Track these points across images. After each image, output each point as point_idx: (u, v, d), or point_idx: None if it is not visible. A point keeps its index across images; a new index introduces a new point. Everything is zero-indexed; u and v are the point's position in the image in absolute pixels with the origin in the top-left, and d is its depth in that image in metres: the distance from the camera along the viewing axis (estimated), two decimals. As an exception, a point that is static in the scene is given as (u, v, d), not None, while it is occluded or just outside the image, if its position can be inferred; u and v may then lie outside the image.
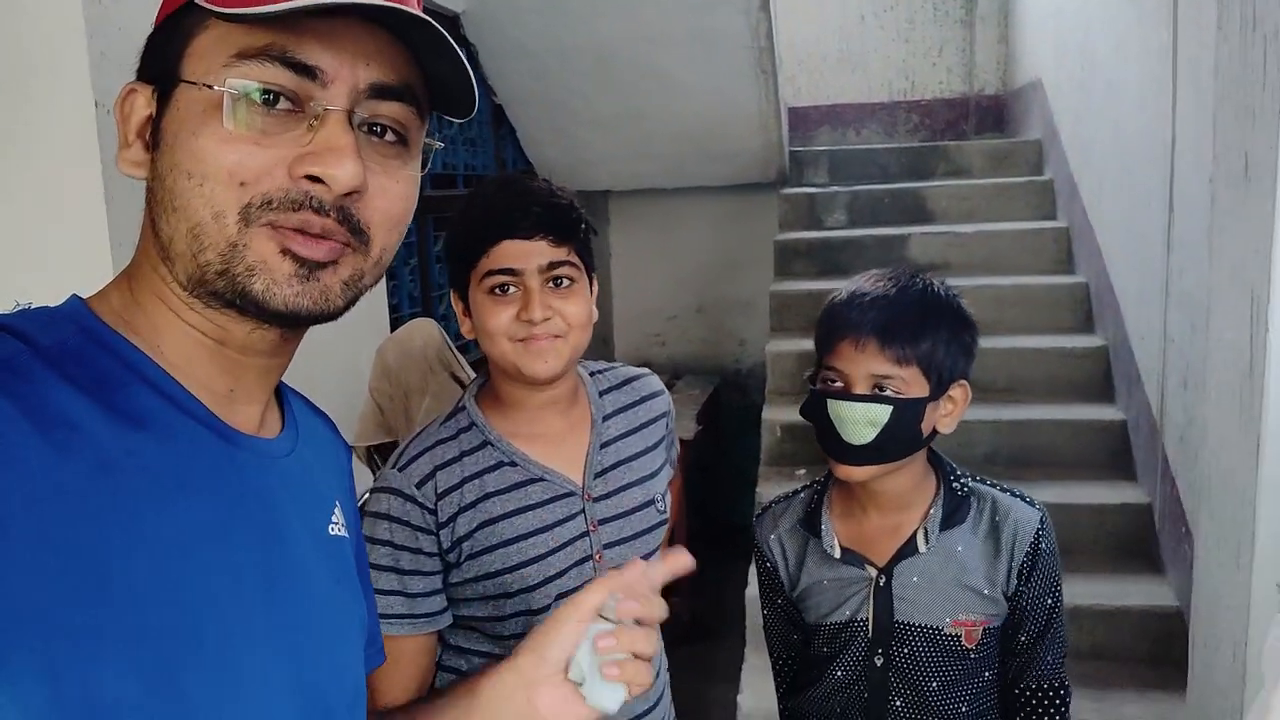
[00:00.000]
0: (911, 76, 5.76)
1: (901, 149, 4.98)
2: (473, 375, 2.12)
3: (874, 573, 1.34)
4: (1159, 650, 2.76)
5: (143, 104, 0.64)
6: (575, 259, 1.22)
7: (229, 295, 0.62)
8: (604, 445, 1.30)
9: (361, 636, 0.78)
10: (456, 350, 2.13)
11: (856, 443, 1.26)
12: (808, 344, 4.24)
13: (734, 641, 3.08)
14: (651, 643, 0.81)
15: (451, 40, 0.64)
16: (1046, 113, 4.45)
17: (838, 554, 1.36)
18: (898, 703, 1.34)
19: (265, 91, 0.60)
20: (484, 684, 0.82)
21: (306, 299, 0.62)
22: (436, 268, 3.73)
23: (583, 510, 1.26)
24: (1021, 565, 1.32)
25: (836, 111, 5.83)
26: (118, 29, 1.79)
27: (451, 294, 1.28)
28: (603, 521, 1.27)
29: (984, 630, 1.33)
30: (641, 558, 1.28)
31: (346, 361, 2.80)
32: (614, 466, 1.30)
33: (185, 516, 0.60)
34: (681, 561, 0.87)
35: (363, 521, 1.22)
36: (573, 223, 1.22)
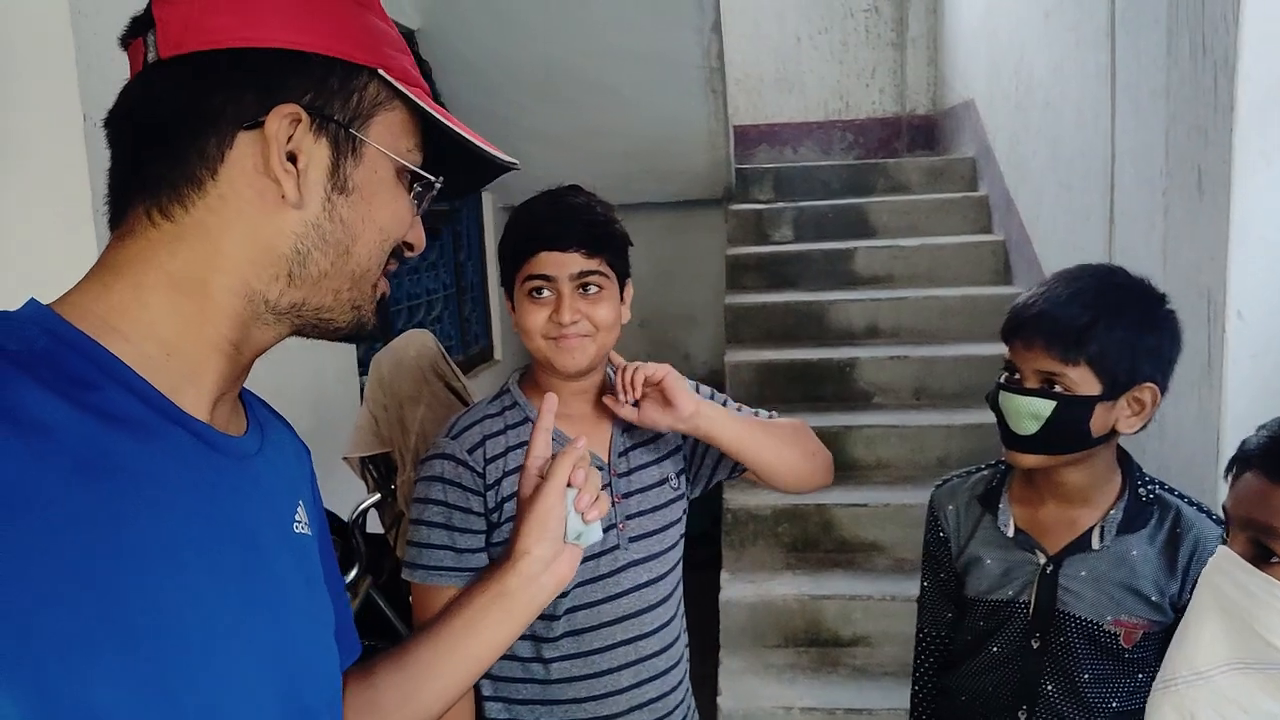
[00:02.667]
0: (846, 97, 5.95)
1: (843, 165, 5.13)
2: (467, 385, 2.14)
3: (1043, 559, 1.36)
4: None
5: (288, 127, 0.66)
6: (606, 269, 1.36)
7: (341, 323, 0.73)
8: (625, 430, 1.44)
9: (331, 635, 0.79)
10: (451, 360, 2.14)
11: (1021, 433, 1.30)
12: (764, 354, 4.33)
13: (704, 649, 3.12)
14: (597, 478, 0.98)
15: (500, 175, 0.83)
16: (980, 131, 4.64)
17: (1011, 533, 1.39)
18: (1049, 687, 1.37)
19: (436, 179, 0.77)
20: (509, 580, 0.92)
21: (378, 325, 0.78)
22: (410, 279, 3.73)
23: (609, 484, 1.38)
24: (1195, 578, 1.28)
25: (774, 131, 5.99)
26: (106, 43, 1.78)
27: (503, 292, 1.44)
28: (625, 495, 1.40)
29: (1144, 634, 1.33)
30: (660, 529, 1.43)
31: (314, 375, 2.79)
32: (634, 447, 1.44)
33: (167, 519, 0.60)
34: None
35: (417, 485, 1.36)
36: (607, 236, 1.37)
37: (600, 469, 1.38)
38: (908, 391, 3.77)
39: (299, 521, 0.77)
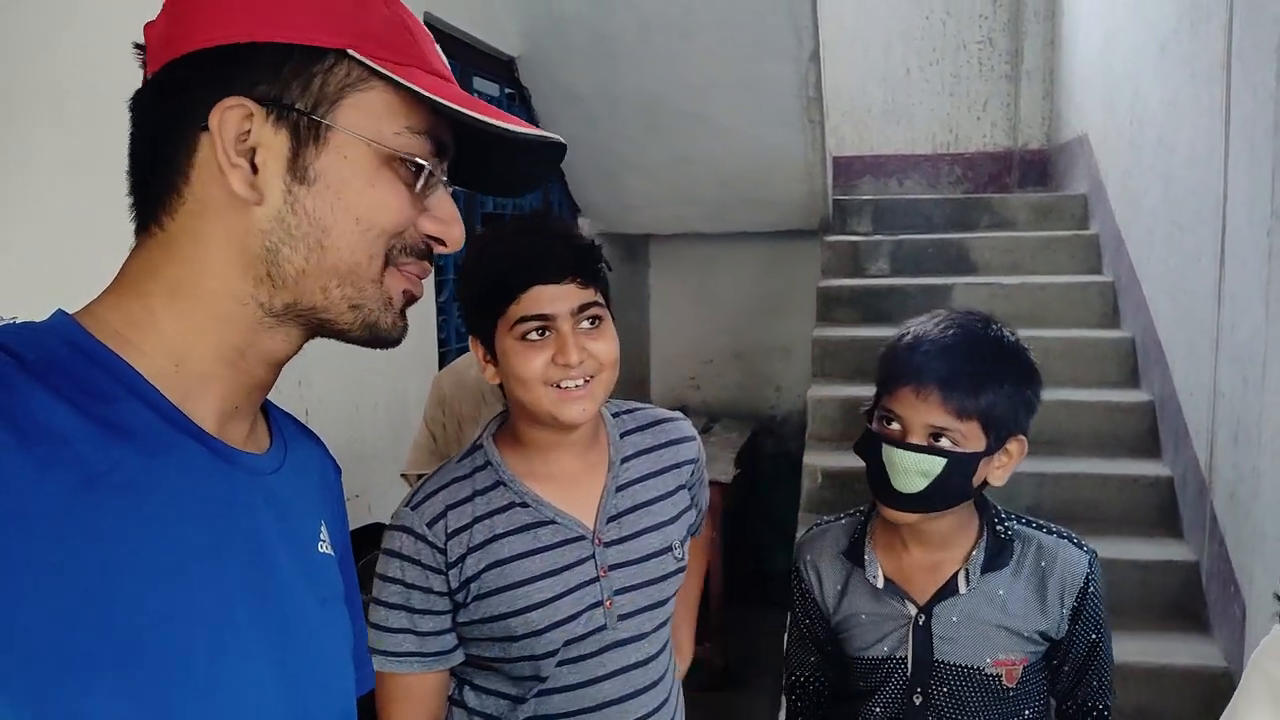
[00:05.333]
0: (955, 130, 5.79)
1: (945, 200, 4.99)
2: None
3: (914, 610, 1.33)
4: (1205, 711, 2.69)
5: (240, 120, 0.64)
6: (601, 298, 1.21)
7: (345, 325, 0.69)
8: (620, 488, 1.28)
9: (348, 658, 0.77)
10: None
11: (906, 491, 1.25)
12: (850, 390, 4.22)
13: (765, 690, 3.04)
14: None
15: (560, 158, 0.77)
16: (1093, 167, 4.45)
17: (881, 584, 1.34)
18: None
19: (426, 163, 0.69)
20: None
21: (404, 331, 0.73)
22: (483, 304, 3.79)
23: (592, 555, 1.23)
24: (1072, 609, 1.31)
25: (880, 162, 5.87)
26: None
27: (471, 340, 1.25)
28: (614, 567, 1.24)
29: (1024, 669, 1.32)
30: (655, 604, 1.27)
31: (393, 391, 2.85)
32: (629, 510, 1.28)
33: (174, 533, 0.60)
34: None
35: (380, 557, 1.23)
36: (598, 264, 1.22)
37: (582, 539, 1.24)
38: (1000, 435, 3.61)
39: (322, 541, 0.76)
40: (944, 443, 1.24)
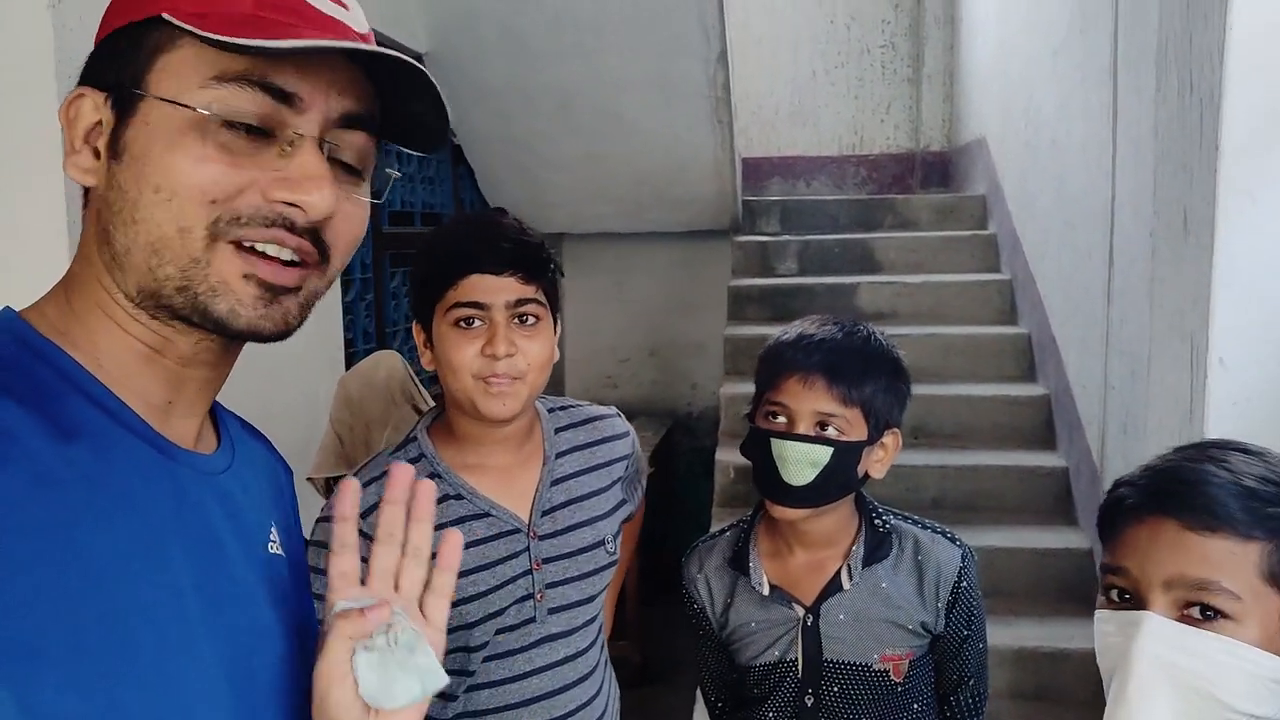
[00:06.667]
0: (860, 132, 5.93)
1: (851, 201, 5.10)
2: (435, 407, 2.12)
3: (801, 612, 1.35)
4: (1099, 692, 2.81)
5: (90, 109, 0.64)
6: (542, 298, 1.23)
7: (185, 310, 0.63)
8: (554, 483, 1.29)
9: (302, 657, 0.75)
10: (420, 383, 2.13)
11: (797, 483, 1.27)
12: (762, 386, 4.19)
13: (685, 685, 3.07)
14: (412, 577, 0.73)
15: (434, 82, 0.67)
16: (990, 169, 4.61)
17: (766, 591, 1.36)
18: None
19: (244, 116, 0.62)
20: None
21: (269, 322, 0.65)
22: (392, 304, 3.73)
23: (527, 548, 1.24)
24: (947, 603, 1.36)
25: (788, 163, 5.97)
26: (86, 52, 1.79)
27: (414, 325, 1.27)
28: (547, 560, 1.25)
29: (910, 663, 1.35)
30: (586, 599, 1.28)
31: (302, 394, 2.78)
32: (563, 505, 1.29)
33: (122, 530, 0.59)
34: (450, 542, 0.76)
35: (309, 550, 1.21)
36: (542, 262, 1.23)
37: (517, 531, 1.25)
38: (905, 430, 3.68)
39: (272, 541, 0.75)
40: (830, 432, 1.28)
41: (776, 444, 1.28)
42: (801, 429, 1.28)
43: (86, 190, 0.66)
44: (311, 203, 0.63)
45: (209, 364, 0.69)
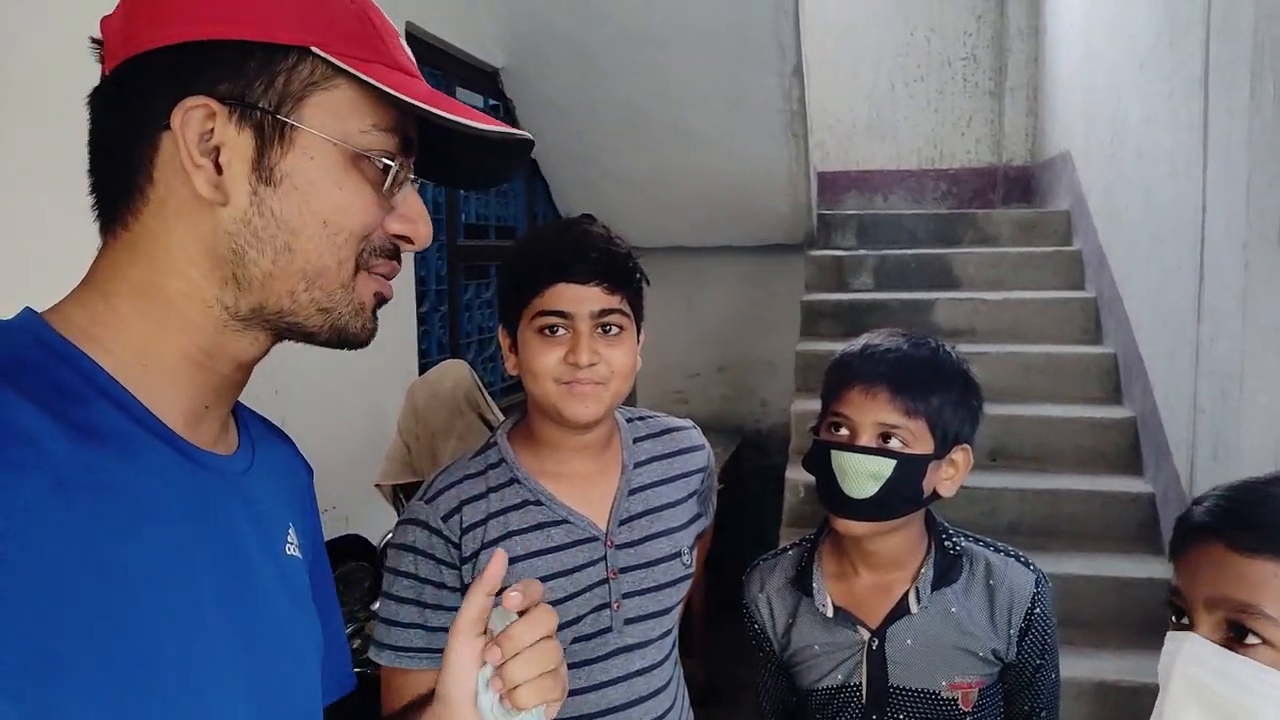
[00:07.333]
0: (940, 145, 5.81)
1: (929, 215, 5.00)
2: (502, 418, 2.12)
3: (866, 635, 1.31)
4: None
5: (203, 120, 0.63)
6: (626, 308, 1.22)
7: (315, 328, 0.68)
8: (632, 492, 1.29)
9: (317, 661, 0.76)
10: (486, 393, 2.13)
11: (857, 496, 1.24)
12: (833, 403, 4.13)
13: (750, 706, 3.01)
14: (548, 654, 0.76)
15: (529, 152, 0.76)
16: (1075, 184, 4.47)
17: (830, 612, 1.32)
18: None
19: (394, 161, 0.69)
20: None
21: (374, 333, 0.72)
22: (465, 315, 3.77)
23: (604, 557, 1.23)
24: (1019, 630, 1.30)
25: (865, 177, 5.89)
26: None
27: (500, 330, 1.28)
28: (624, 570, 1.25)
29: (979, 692, 1.30)
30: (663, 611, 1.27)
31: (375, 402, 2.82)
32: (641, 515, 1.28)
33: (147, 537, 0.59)
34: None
35: (388, 553, 1.23)
36: (627, 271, 1.23)
37: (594, 539, 1.24)
38: (982, 451, 3.58)
39: (290, 543, 0.75)
40: (893, 443, 1.24)
41: (836, 455, 1.25)
42: (864, 440, 1.25)
43: (137, 196, 0.65)
44: (423, 237, 0.72)
45: (248, 367, 0.70)
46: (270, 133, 0.64)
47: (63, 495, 0.55)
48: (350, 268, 0.67)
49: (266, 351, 0.70)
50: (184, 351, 0.66)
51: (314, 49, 0.64)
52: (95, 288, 0.66)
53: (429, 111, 0.66)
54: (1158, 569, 3.05)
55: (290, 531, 0.76)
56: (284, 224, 0.65)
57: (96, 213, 0.68)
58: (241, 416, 0.76)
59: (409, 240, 0.71)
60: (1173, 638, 0.88)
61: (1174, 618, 0.90)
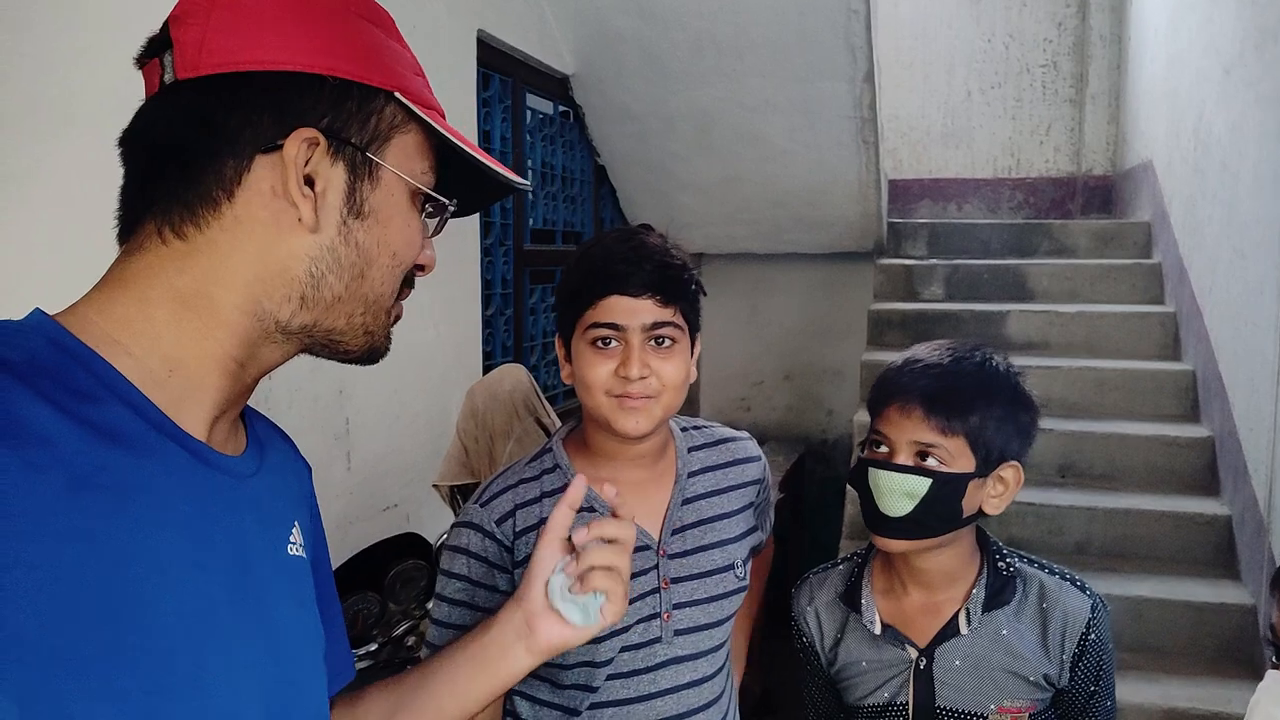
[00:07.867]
0: (1017, 154, 5.69)
1: (1004, 225, 4.89)
2: (558, 423, 2.14)
3: (914, 654, 1.29)
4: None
5: (303, 152, 0.66)
6: (680, 320, 1.21)
7: (352, 345, 0.73)
8: (685, 502, 1.28)
9: (321, 661, 0.78)
10: (544, 398, 2.16)
11: (893, 515, 1.22)
12: (896, 415, 4.09)
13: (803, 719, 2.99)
14: (618, 556, 0.87)
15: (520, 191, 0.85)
16: (1157, 194, 4.34)
17: (878, 629, 1.30)
18: None
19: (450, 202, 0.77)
20: (495, 623, 0.88)
21: (389, 349, 0.78)
22: (530, 319, 3.81)
23: (655, 566, 1.23)
24: (1073, 655, 1.27)
25: (938, 186, 5.79)
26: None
27: (556, 339, 1.29)
28: (675, 580, 1.24)
29: (1030, 716, 1.27)
30: (714, 623, 1.26)
31: (438, 403, 2.87)
32: (694, 525, 1.28)
33: (160, 536, 0.60)
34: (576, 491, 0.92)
35: (442, 554, 1.25)
36: (682, 284, 1.21)
37: (646, 548, 1.23)
38: (1051, 468, 3.50)
39: (293, 543, 0.76)
40: (930, 462, 1.22)
41: (873, 473, 1.24)
42: (901, 459, 1.23)
43: (209, 209, 0.66)
44: (434, 263, 0.78)
45: (267, 374, 0.73)
46: (361, 168, 0.69)
47: (77, 495, 0.55)
48: (394, 295, 0.74)
49: (286, 361, 0.74)
50: (217, 359, 0.67)
51: (397, 94, 0.70)
52: (129, 290, 0.65)
53: (479, 162, 0.74)
54: (1233, 594, 2.95)
55: (294, 531, 0.77)
56: (364, 253, 0.70)
57: (128, 215, 0.68)
58: (247, 417, 0.77)
59: (424, 269, 0.78)
60: (1274, 676, 0.86)
61: (1273, 657, 0.87)
